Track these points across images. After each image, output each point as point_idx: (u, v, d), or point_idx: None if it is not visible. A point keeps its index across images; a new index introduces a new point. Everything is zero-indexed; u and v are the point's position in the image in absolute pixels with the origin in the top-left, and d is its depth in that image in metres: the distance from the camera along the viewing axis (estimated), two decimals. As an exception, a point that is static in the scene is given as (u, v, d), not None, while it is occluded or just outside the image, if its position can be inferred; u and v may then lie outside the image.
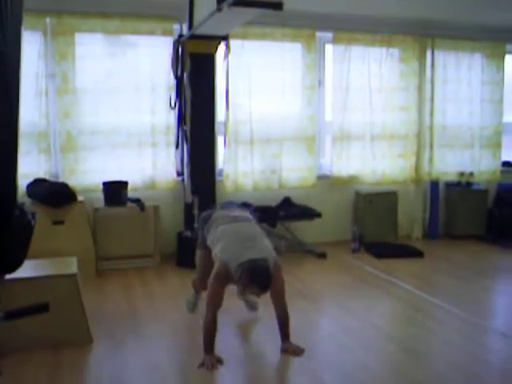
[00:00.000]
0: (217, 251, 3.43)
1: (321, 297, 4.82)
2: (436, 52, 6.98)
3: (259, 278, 3.17)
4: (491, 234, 7.12)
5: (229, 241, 3.43)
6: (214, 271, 3.36)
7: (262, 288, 3.20)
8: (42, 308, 2.23)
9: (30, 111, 5.41)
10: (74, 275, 3.67)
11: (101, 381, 3.15)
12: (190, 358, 3.45)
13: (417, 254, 6.23)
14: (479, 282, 5.29)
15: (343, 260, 6.03)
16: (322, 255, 6.08)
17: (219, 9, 3.94)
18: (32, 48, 5.35)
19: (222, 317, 3.44)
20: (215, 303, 3.36)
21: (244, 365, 3.46)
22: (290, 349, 3.47)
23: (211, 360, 3.27)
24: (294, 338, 3.54)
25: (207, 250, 3.68)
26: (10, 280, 2.71)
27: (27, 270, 3.00)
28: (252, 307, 4.25)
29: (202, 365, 3.25)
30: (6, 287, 3.31)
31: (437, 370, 3.30)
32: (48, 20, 5.47)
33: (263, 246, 3.44)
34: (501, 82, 7.36)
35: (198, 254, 3.95)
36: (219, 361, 3.31)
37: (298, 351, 3.47)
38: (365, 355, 3.53)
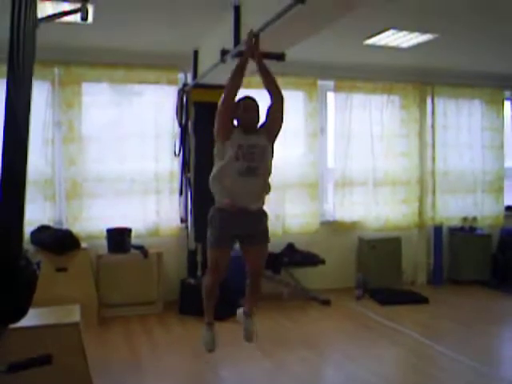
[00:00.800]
0: None
1: (325, 345, 4.76)
2: (436, 99, 7.10)
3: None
4: (496, 280, 7.07)
5: None
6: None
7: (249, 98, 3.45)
8: (45, 360, 2.21)
9: (36, 159, 5.47)
10: (76, 324, 3.64)
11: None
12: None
13: (421, 300, 6.17)
14: (484, 328, 5.22)
15: (347, 307, 5.97)
16: (326, 302, 6.03)
17: (223, 60, 4.05)
18: (40, 97, 5.47)
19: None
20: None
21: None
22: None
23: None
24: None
25: (223, 248, 3.47)
26: (11, 329, 2.70)
27: (29, 318, 2.98)
28: (249, 337, 4.06)
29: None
30: (7, 336, 3.29)
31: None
32: (56, 70, 5.62)
33: None
34: (501, 128, 7.45)
35: (212, 251, 3.51)
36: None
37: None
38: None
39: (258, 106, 3.46)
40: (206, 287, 3.56)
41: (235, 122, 3.46)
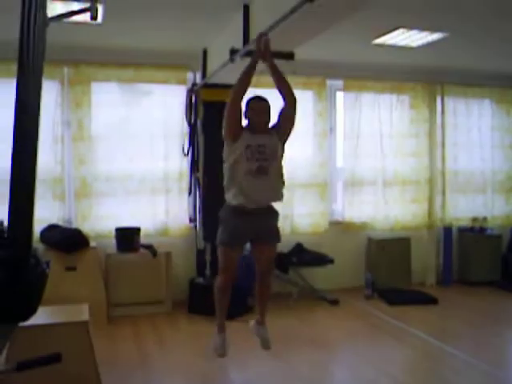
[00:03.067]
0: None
1: (334, 345, 4.75)
2: (446, 98, 7.06)
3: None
4: (506, 280, 7.02)
5: None
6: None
7: (260, 98, 3.46)
8: (54, 359, 2.21)
9: (46, 158, 5.48)
10: (85, 323, 3.65)
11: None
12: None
13: (431, 300, 6.14)
14: (495, 329, 5.18)
15: (356, 307, 5.95)
16: (335, 302, 6.01)
17: (232, 60, 4.04)
18: (49, 96, 5.49)
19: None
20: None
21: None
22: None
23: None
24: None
25: (235, 248, 3.48)
26: (20, 327, 2.71)
27: (38, 317, 2.99)
28: (265, 345, 4.07)
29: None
30: (17, 334, 3.31)
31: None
32: (66, 70, 5.63)
33: None
34: (511, 128, 7.39)
35: (224, 250, 3.50)
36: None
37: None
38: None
39: (269, 107, 3.44)
40: (218, 288, 3.54)
41: (244, 122, 3.45)
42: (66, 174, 5.73)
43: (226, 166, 3.43)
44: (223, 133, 3.40)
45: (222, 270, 3.49)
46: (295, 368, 4.14)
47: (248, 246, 3.65)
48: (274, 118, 3.51)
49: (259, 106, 3.43)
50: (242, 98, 3.38)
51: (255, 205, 3.36)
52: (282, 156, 3.49)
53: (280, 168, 3.46)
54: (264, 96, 3.50)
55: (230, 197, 3.40)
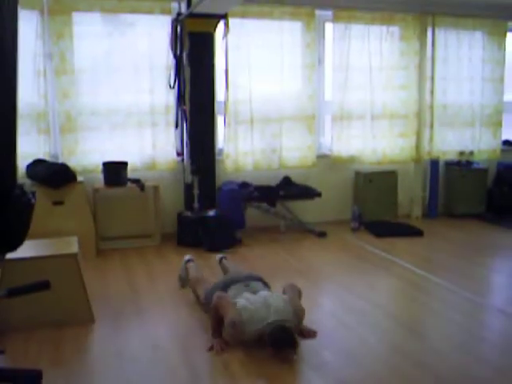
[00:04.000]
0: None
1: (321, 275, 4.85)
2: (437, 30, 6.92)
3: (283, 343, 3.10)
4: (491, 213, 7.14)
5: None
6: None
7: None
8: (43, 285, 2.25)
9: (28, 91, 5.38)
10: (74, 255, 3.69)
11: (104, 358, 3.18)
12: (192, 335, 3.48)
13: (416, 232, 6.25)
14: (478, 260, 5.30)
15: (343, 239, 6.05)
16: (322, 234, 6.10)
17: (218, -14, 3.91)
18: (29, 27, 5.32)
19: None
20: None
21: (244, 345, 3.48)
22: (304, 331, 3.47)
23: (219, 342, 3.27)
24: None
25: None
26: (10, 260, 2.73)
27: (28, 249, 3.02)
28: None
29: (211, 348, 3.27)
30: (7, 267, 3.34)
31: (437, 348, 3.32)
32: (45, -1, 5.43)
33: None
34: (502, 61, 7.31)
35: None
36: (226, 343, 3.32)
37: (311, 334, 3.46)
38: (364, 332, 3.56)
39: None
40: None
41: None
42: (49, 108, 5.62)
43: None
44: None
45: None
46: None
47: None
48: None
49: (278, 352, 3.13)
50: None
51: None
52: None
53: None
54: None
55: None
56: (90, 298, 3.72)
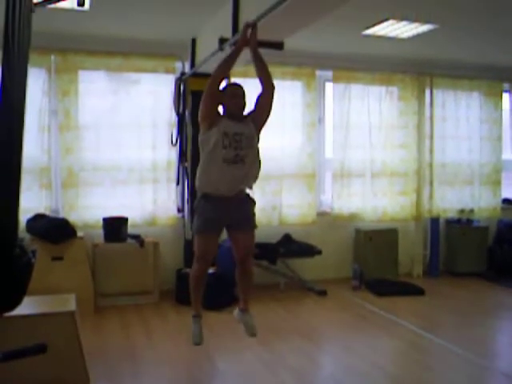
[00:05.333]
0: None
1: (321, 335, 4.77)
2: (435, 90, 7.07)
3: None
4: (492, 272, 7.09)
5: None
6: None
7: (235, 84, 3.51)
8: (40, 349, 2.20)
9: (32, 147, 5.43)
10: (72, 313, 3.63)
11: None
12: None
13: (418, 291, 6.18)
14: (481, 320, 5.23)
15: (344, 298, 5.98)
16: (323, 293, 6.03)
17: (221, 49, 4.01)
18: (36, 85, 5.43)
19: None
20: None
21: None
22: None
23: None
24: (295, 378, 3.47)
25: (209, 235, 3.46)
26: (6, 317, 2.68)
27: (24, 306, 2.96)
28: (251, 332, 4.04)
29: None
30: (1, 324, 3.28)
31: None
32: (53, 57, 5.56)
33: None
34: (499, 120, 7.43)
35: (199, 238, 3.50)
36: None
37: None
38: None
39: (244, 93, 3.45)
40: (193, 276, 3.52)
41: (221, 111, 3.44)
42: (52, 163, 5.67)
43: (202, 154, 3.42)
44: (199, 120, 3.40)
45: (197, 258, 3.47)
46: (283, 358, 4.14)
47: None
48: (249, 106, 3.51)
49: (235, 90, 3.46)
50: (219, 84, 3.39)
51: (229, 193, 3.36)
52: (258, 143, 3.49)
53: (256, 156, 3.46)
54: (242, 84, 3.53)
55: (204, 184, 3.40)
56: (86, 356, 3.65)
